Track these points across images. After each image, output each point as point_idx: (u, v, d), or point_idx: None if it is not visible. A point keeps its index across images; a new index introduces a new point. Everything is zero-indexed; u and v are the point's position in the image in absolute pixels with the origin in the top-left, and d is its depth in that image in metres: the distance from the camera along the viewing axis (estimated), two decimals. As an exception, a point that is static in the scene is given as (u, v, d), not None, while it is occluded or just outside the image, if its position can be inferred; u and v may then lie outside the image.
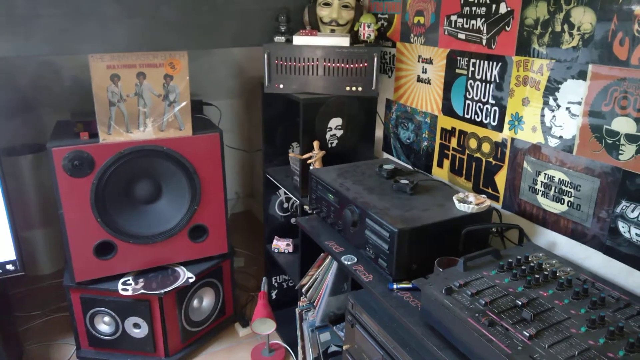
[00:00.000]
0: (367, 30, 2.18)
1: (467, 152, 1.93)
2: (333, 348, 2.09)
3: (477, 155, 1.88)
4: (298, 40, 2.14)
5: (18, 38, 1.95)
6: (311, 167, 2.17)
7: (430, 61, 2.05)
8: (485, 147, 1.83)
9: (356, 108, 2.26)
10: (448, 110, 1.99)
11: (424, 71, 2.09)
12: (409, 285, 1.52)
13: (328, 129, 2.23)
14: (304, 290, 2.12)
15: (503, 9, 1.67)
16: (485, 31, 1.75)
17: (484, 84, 1.79)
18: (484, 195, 1.71)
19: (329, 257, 2.02)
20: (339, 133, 2.26)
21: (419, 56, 2.11)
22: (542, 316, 1.17)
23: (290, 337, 2.57)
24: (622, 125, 1.35)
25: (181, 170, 2.37)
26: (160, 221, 2.42)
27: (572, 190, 1.53)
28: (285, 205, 2.79)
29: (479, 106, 1.83)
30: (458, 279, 1.32)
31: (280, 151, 2.66)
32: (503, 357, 1.05)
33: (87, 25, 2.03)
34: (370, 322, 1.55)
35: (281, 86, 2.19)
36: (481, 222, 1.65)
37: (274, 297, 2.89)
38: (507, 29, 1.66)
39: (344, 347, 1.74)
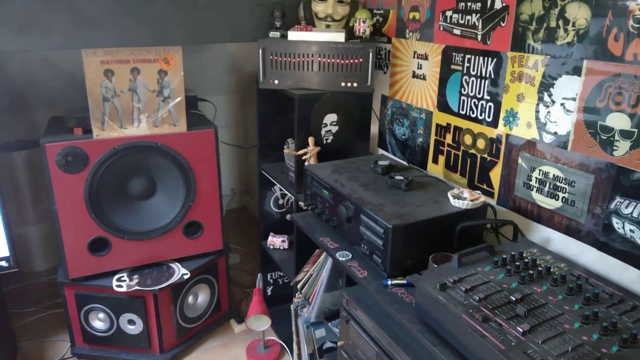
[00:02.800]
0: (363, 25, 2.18)
1: (462, 148, 1.93)
2: (328, 344, 2.09)
3: (472, 151, 1.88)
4: (293, 35, 2.14)
5: (10, 33, 1.93)
6: (306, 163, 2.17)
7: (425, 57, 2.05)
8: (480, 143, 1.83)
9: (351, 104, 2.26)
10: (443, 106, 1.99)
11: (419, 67, 2.09)
12: (404, 282, 1.52)
13: (323, 125, 2.22)
14: (299, 286, 2.12)
15: (498, 4, 1.66)
16: (480, 27, 1.75)
17: (479, 79, 1.79)
18: (478, 192, 1.71)
19: (324, 253, 2.02)
20: (334, 129, 2.25)
21: (414, 52, 2.10)
22: (536, 312, 1.17)
23: (285, 334, 2.57)
24: (617, 121, 1.35)
25: (176, 166, 2.36)
26: (155, 217, 2.42)
27: (566, 186, 1.53)
28: (281, 201, 2.78)
29: (474, 102, 1.83)
30: (452, 275, 1.32)
31: (275, 147, 2.65)
32: (497, 352, 1.05)
33: (80, 19, 2.02)
34: (365, 318, 1.55)
35: (276, 82, 2.18)
36: (476, 218, 1.65)
37: (269, 293, 2.89)
38: (502, 24, 1.66)
39: (339, 343, 1.74)
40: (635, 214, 1.34)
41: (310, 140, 2.17)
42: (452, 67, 1.91)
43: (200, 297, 2.64)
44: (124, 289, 2.30)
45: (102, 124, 2.19)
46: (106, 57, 2.10)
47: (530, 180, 1.65)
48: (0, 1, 1.88)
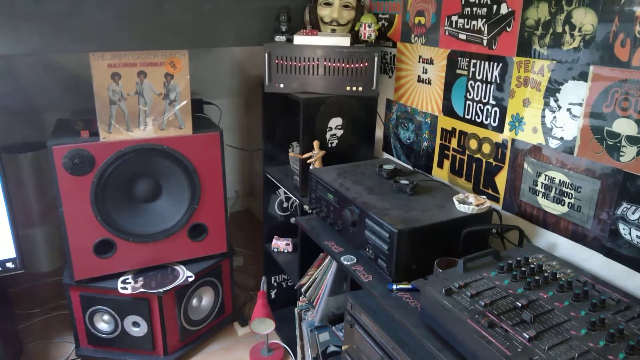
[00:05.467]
0: (368, 30, 2.18)
1: (467, 152, 1.93)
2: (332, 348, 2.09)
3: (478, 156, 1.88)
4: (299, 39, 2.14)
5: (18, 36, 1.94)
6: (311, 167, 2.17)
7: (430, 61, 2.05)
8: (486, 148, 1.83)
9: (356, 108, 2.26)
10: (448, 110, 1.99)
11: (425, 71, 2.09)
12: (409, 286, 1.52)
13: (328, 129, 2.22)
14: (303, 290, 2.12)
15: (504, 9, 1.66)
16: (486, 32, 1.75)
17: (484, 84, 1.79)
18: (484, 196, 1.71)
19: (329, 257, 2.02)
20: (339, 133, 2.25)
21: (420, 56, 2.11)
22: (542, 318, 1.17)
23: (289, 337, 2.57)
24: (623, 126, 1.35)
25: (181, 169, 2.37)
26: (160, 220, 2.42)
27: (572, 191, 1.52)
28: (285, 204, 2.78)
29: (480, 107, 1.83)
30: (458, 280, 1.32)
31: (280, 150, 2.65)
32: (503, 358, 1.05)
33: (88, 23, 2.03)
34: (369, 322, 1.55)
35: (281, 85, 2.19)
36: (481, 223, 1.65)
37: (273, 296, 2.89)
38: (508, 29, 1.66)
39: (343, 348, 1.73)
40: (641, 220, 1.34)
41: (315, 143, 2.18)
42: (458, 71, 1.91)
43: (204, 300, 2.64)
44: (128, 291, 2.31)
45: (108, 127, 2.20)
46: (113, 60, 2.12)
47: (536, 185, 1.64)
48: (7, 5, 1.89)
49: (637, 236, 1.35)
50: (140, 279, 2.41)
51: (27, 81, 2.76)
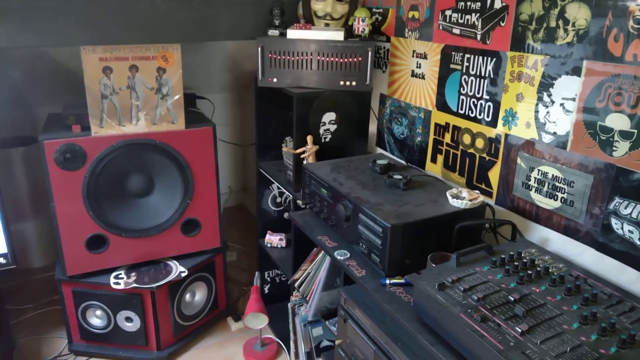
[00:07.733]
0: (362, 24, 2.17)
1: (460, 147, 1.93)
2: (325, 343, 2.09)
3: (471, 150, 1.88)
4: (292, 34, 2.13)
5: (9, 29, 1.92)
6: (304, 162, 2.16)
7: (424, 56, 2.05)
8: (479, 143, 1.83)
9: (350, 103, 2.26)
10: (442, 105, 1.99)
11: (418, 66, 2.09)
12: (402, 281, 1.52)
13: (322, 124, 2.22)
14: (296, 285, 2.12)
15: (498, 4, 1.66)
16: (479, 26, 1.75)
17: (478, 79, 1.79)
18: (477, 191, 1.71)
19: (322, 252, 2.02)
20: (333, 128, 2.25)
21: (414, 51, 2.10)
22: (535, 312, 1.18)
23: (282, 332, 2.57)
24: (616, 121, 1.35)
25: (174, 164, 2.36)
26: (153, 215, 2.41)
27: (565, 186, 1.53)
28: (278, 199, 2.78)
29: (473, 102, 1.83)
30: (451, 275, 1.32)
31: (274, 145, 2.64)
32: (495, 352, 1.05)
33: (79, 16, 2.01)
34: (363, 317, 1.55)
35: (275, 80, 2.18)
36: (474, 217, 1.65)
37: (266, 291, 2.89)
38: (502, 24, 1.66)
39: (337, 342, 1.74)
40: (634, 215, 1.34)
41: (309, 138, 2.17)
42: (452, 66, 1.91)
43: (198, 295, 2.63)
44: (121, 287, 2.30)
45: (100, 122, 2.18)
46: (105, 54, 2.10)
47: (529, 180, 1.65)
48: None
49: (629, 231, 1.36)
50: (133, 274, 2.40)
51: (18, 75, 2.74)
